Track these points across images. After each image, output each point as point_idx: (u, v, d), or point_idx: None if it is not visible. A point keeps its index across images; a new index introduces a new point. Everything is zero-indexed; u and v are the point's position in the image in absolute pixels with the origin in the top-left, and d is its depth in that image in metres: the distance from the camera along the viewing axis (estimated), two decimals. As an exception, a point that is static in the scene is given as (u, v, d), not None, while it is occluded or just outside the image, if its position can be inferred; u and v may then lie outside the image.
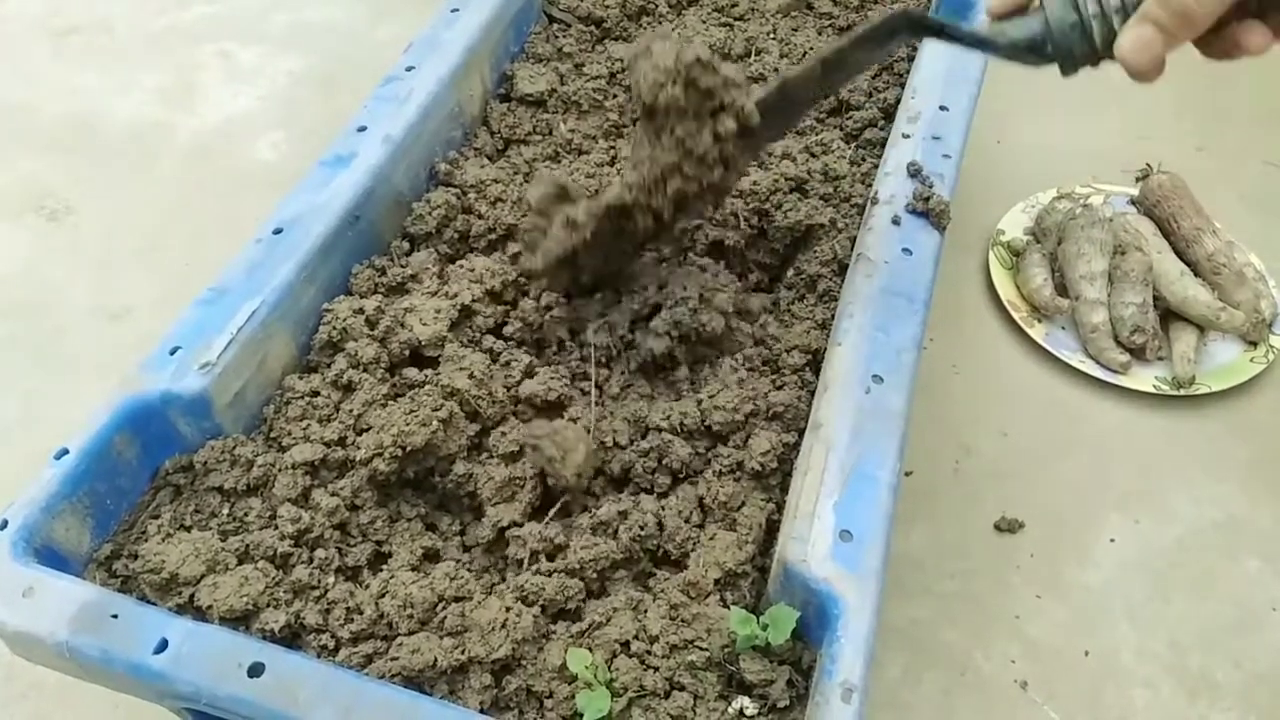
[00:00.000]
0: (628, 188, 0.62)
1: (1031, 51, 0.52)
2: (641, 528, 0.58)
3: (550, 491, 0.61)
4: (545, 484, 0.61)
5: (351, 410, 0.62)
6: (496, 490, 0.60)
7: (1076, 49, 0.50)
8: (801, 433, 0.61)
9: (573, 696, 0.51)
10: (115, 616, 0.49)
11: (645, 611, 0.55)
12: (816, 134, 0.81)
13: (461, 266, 0.72)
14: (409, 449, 0.58)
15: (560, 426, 0.60)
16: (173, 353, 0.59)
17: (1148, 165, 1.08)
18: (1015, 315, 0.95)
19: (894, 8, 0.93)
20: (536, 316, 0.69)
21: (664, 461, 0.61)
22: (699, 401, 0.63)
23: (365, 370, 0.64)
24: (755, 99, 0.59)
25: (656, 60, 0.57)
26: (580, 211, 0.63)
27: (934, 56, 0.81)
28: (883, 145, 0.79)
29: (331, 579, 0.56)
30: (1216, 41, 0.48)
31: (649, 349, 0.64)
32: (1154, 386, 0.90)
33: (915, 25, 0.57)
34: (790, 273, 0.73)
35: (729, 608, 0.54)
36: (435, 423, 0.59)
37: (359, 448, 0.59)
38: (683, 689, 0.52)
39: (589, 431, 0.61)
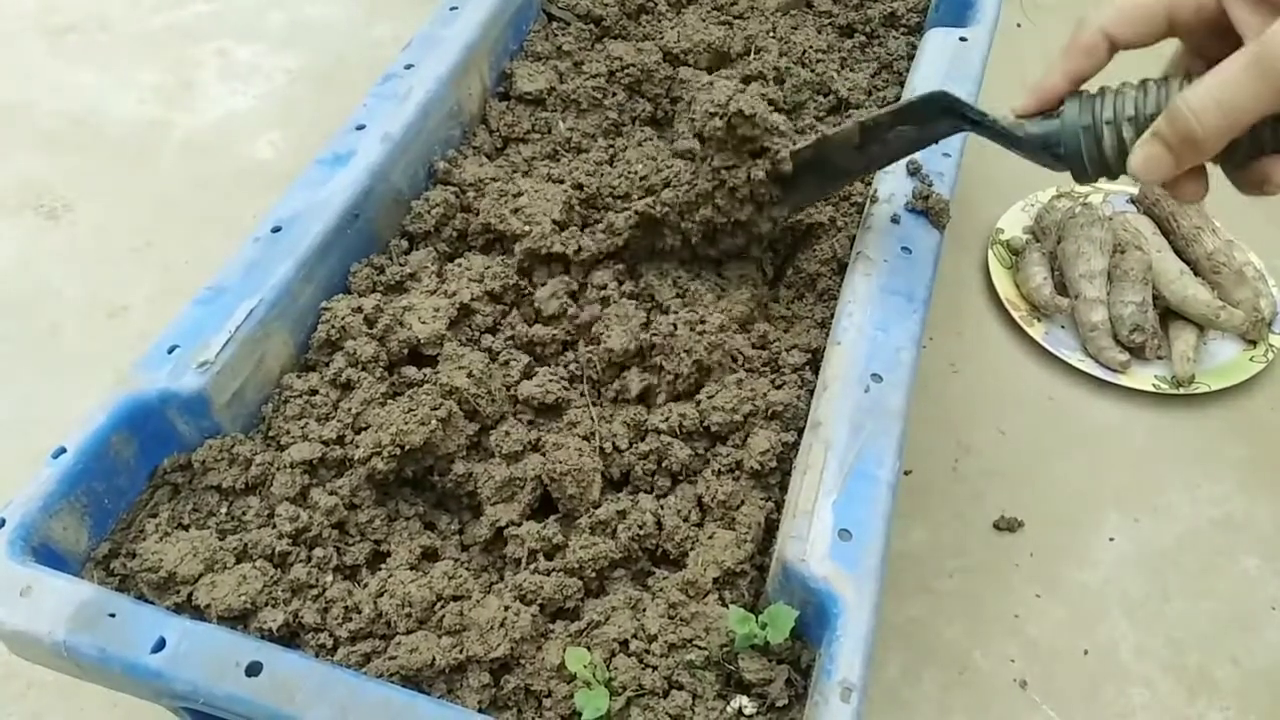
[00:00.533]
0: (662, 203, 0.66)
1: (1046, 151, 0.53)
2: (640, 527, 0.58)
3: (550, 492, 0.60)
4: (545, 485, 0.60)
5: (350, 409, 0.62)
6: (496, 490, 0.60)
7: (1086, 153, 0.51)
8: (800, 432, 0.61)
9: (571, 696, 0.51)
10: (113, 615, 0.49)
11: (644, 610, 0.55)
12: (817, 133, 0.80)
13: (460, 265, 0.72)
14: (407, 448, 0.58)
15: (578, 462, 0.59)
16: (170, 351, 0.59)
17: (1147, 164, 1.08)
18: (1014, 314, 0.95)
19: (888, 10, 0.93)
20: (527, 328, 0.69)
21: (663, 464, 0.61)
22: (698, 402, 0.63)
23: (364, 369, 0.64)
24: (793, 149, 0.63)
25: (714, 94, 0.62)
26: (620, 218, 0.68)
27: (934, 54, 0.81)
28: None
29: (330, 578, 0.56)
30: (1245, 174, 0.48)
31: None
32: (1153, 385, 0.90)
33: (951, 107, 0.58)
34: (790, 271, 0.73)
35: (728, 607, 0.54)
36: (434, 422, 0.59)
37: (357, 446, 0.59)
38: (681, 688, 0.52)
39: (590, 439, 0.61)
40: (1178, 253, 0.98)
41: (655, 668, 0.52)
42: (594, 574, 0.57)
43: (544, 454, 0.61)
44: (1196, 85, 0.44)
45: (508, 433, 0.62)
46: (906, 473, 0.82)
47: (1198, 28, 0.48)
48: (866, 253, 0.67)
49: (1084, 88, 0.52)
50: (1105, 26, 0.50)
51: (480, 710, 0.51)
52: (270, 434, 0.62)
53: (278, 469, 0.59)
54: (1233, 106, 0.42)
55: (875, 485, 0.55)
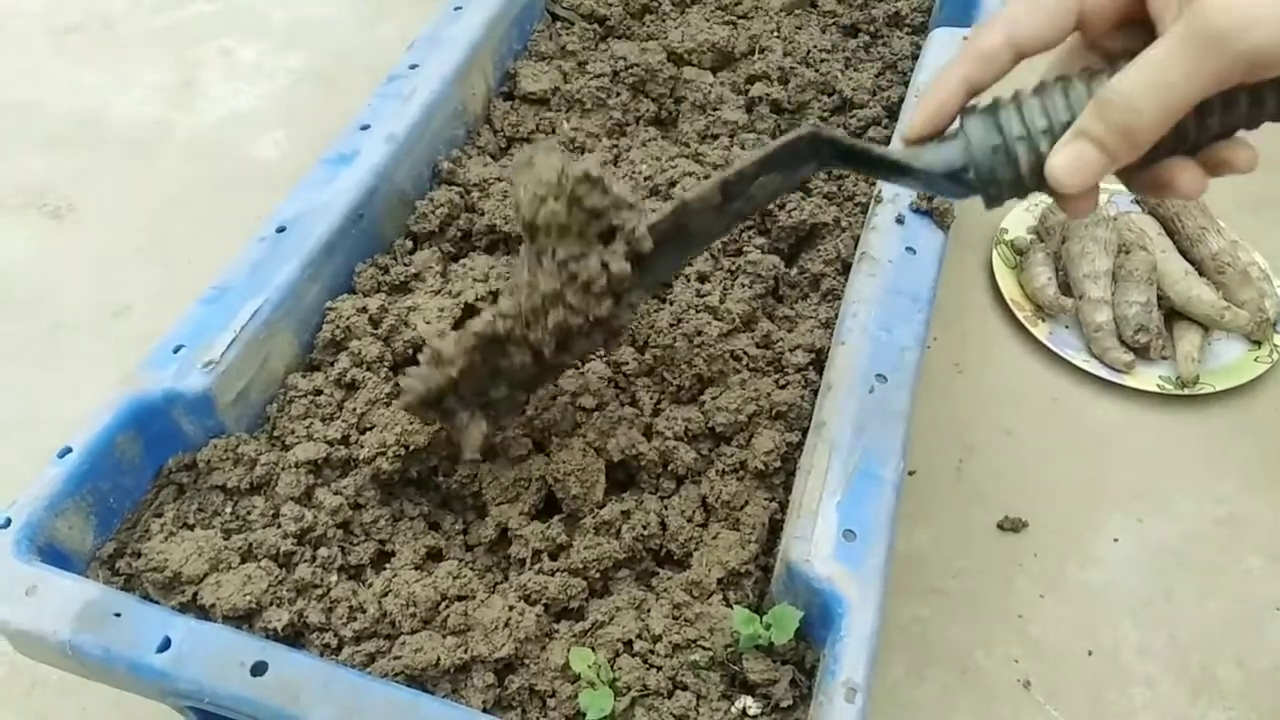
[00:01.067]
0: (501, 317, 0.54)
1: (951, 180, 0.46)
2: (644, 527, 0.58)
3: (554, 493, 0.60)
4: (549, 486, 0.60)
5: (355, 409, 0.62)
6: (501, 491, 0.60)
7: (1000, 174, 0.45)
8: (805, 432, 0.61)
9: (575, 696, 0.51)
10: (118, 615, 0.49)
11: (648, 611, 0.55)
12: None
13: (464, 265, 0.72)
14: (412, 448, 0.58)
15: (582, 461, 0.59)
16: (176, 351, 0.59)
17: (1151, 164, 1.08)
18: (1019, 314, 0.95)
19: (892, 9, 0.93)
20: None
21: (669, 467, 0.61)
22: (702, 404, 0.63)
23: (369, 369, 0.64)
24: (649, 222, 0.52)
25: (538, 173, 0.51)
26: (448, 343, 0.55)
27: (939, 53, 0.81)
28: (886, 144, 0.79)
29: (334, 578, 0.56)
30: (1146, 175, 0.44)
31: None
32: (1158, 386, 0.90)
33: (823, 147, 0.49)
34: (794, 271, 0.73)
35: (732, 607, 0.54)
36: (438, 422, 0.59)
37: (362, 446, 0.59)
38: (686, 688, 0.52)
39: (596, 450, 0.61)
40: (1182, 253, 0.98)
41: (659, 668, 0.52)
42: (598, 574, 0.57)
43: (548, 454, 0.61)
44: (1125, 72, 0.40)
45: (512, 437, 0.62)
46: (910, 473, 0.82)
47: (1108, 17, 0.44)
48: (871, 253, 0.67)
49: (974, 101, 0.47)
50: (1010, 28, 0.45)
51: (485, 710, 0.51)
52: (275, 434, 0.62)
53: (282, 469, 0.59)
54: (1171, 88, 0.38)
55: (879, 485, 0.55)
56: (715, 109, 0.85)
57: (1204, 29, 0.37)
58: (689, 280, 0.71)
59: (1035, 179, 0.44)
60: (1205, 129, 0.42)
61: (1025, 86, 0.46)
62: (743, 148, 0.81)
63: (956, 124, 0.47)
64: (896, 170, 0.48)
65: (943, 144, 0.46)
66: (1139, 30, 0.43)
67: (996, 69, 0.46)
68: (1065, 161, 0.42)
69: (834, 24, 0.94)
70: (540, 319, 0.53)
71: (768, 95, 0.85)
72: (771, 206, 0.74)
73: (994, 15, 0.46)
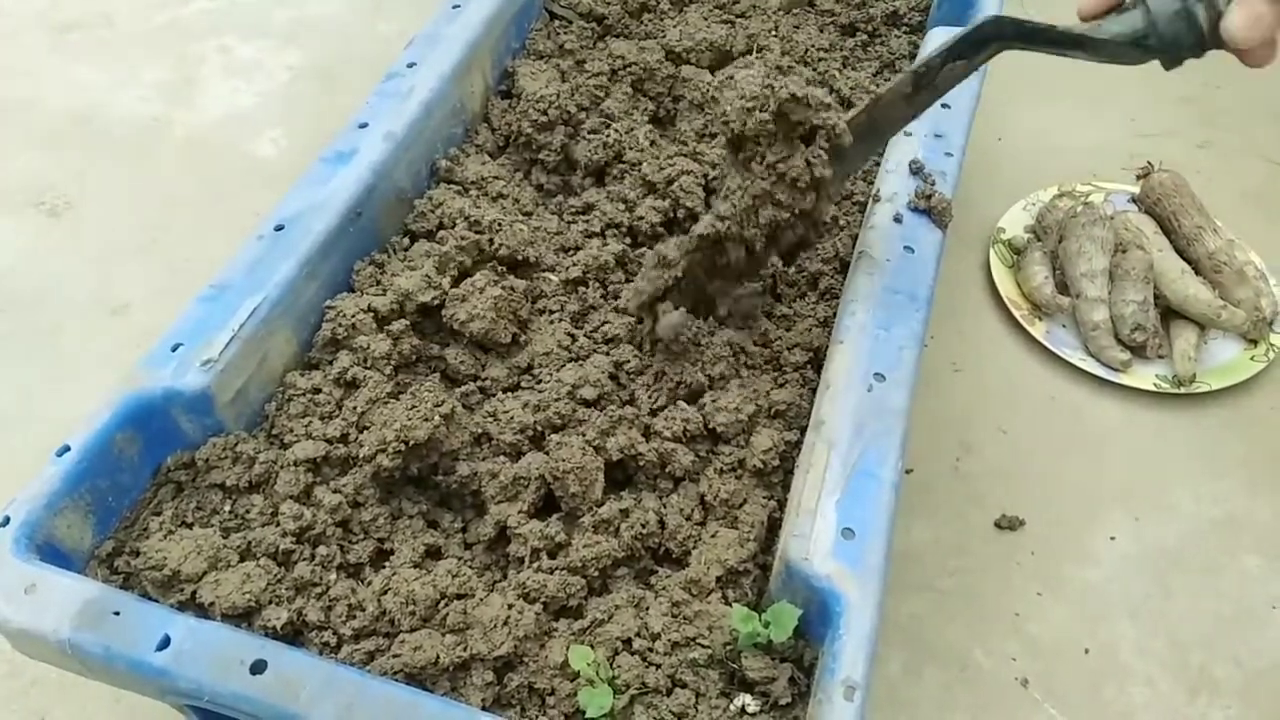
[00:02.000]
0: (719, 218, 0.60)
1: (1135, 46, 0.50)
2: (643, 526, 0.58)
3: (553, 491, 0.61)
4: (548, 484, 0.61)
5: (354, 407, 0.62)
6: (500, 490, 0.60)
7: (1183, 38, 0.48)
8: (803, 431, 0.61)
9: (575, 694, 0.51)
10: (117, 613, 0.49)
11: (647, 609, 0.55)
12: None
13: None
14: (412, 443, 0.58)
15: (581, 460, 0.59)
16: (174, 349, 0.59)
17: (1148, 163, 1.08)
18: (1016, 313, 0.95)
19: (890, 9, 0.93)
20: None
21: (667, 469, 0.62)
22: (701, 406, 0.63)
23: (373, 367, 0.64)
24: (847, 119, 0.59)
25: (742, 88, 0.57)
26: (670, 248, 0.62)
27: (936, 54, 0.81)
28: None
29: (333, 576, 0.56)
30: None
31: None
32: (1154, 384, 0.90)
33: (1007, 32, 0.55)
34: (792, 270, 0.73)
35: (731, 605, 0.55)
36: (437, 418, 0.59)
37: (362, 444, 0.59)
38: (684, 686, 0.52)
39: (595, 449, 0.61)
40: (1179, 252, 0.98)
41: (658, 666, 0.52)
42: (597, 572, 0.57)
43: (547, 453, 0.61)
44: None
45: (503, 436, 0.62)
46: (908, 471, 0.82)
47: None
48: (869, 252, 0.67)
49: None
50: None
51: (484, 708, 0.51)
52: (274, 432, 0.62)
53: (281, 467, 0.59)
54: None
55: (878, 484, 0.55)
56: (713, 107, 0.85)
57: None
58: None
59: (1215, 37, 0.48)
60: None
61: None
62: None
63: None
64: (1079, 44, 0.52)
65: (1122, 14, 0.50)
66: None
67: None
68: (1241, 20, 0.46)
69: (832, 23, 0.94)
70: (753, 217, 0.60)
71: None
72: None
73: None
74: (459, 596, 0.55)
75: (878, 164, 0.76)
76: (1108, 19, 0.51)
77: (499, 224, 0.72)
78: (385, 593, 0.55)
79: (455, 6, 0.84)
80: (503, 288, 0.67)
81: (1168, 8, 0.48)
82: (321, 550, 0.57)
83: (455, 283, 0.68)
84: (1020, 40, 0.55)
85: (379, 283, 0.70)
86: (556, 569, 0.57)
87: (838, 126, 0.58)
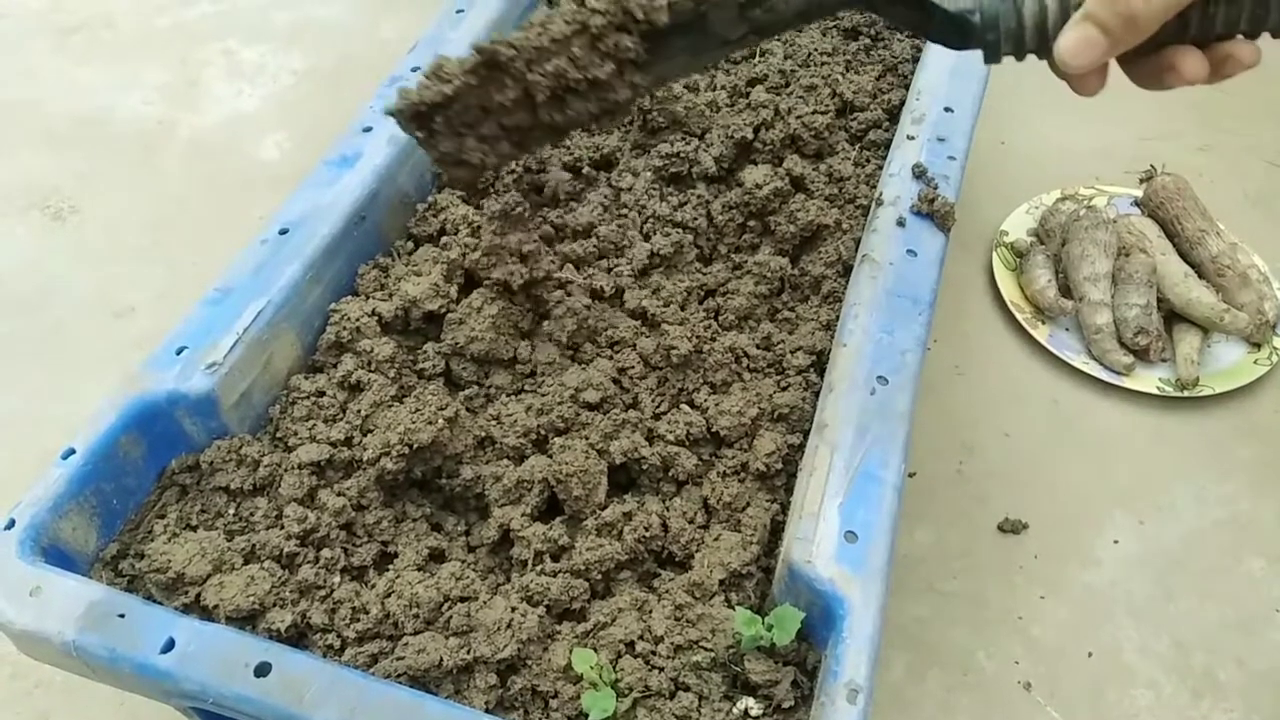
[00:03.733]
0: (508, 45, 0.53)
1: (958, 22, 0.48)
2: (646, 529, 0.58)
3: (556, 494, 0.61)
4: (551, 487, 0.61)
5: (359, 410, 0.62)
6: (504, 493, 0.60)
7: (1004, 22, 0.46)
8: (806, 434, 0.62)
9: (578, 697, 0.51)
10: (122, 616, 0.49)
11: (650, 612, 0.55)
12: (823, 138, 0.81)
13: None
14: (416, 446, 0.58)
15: (584, 463, 0.59)
16: (179, 352, 0.59)
17: (1151, 167, 1.08)
18: (1019, 316, 0.95)
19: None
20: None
21: (670, 472, 0.62)
22: (704, 410, 0.64)
23: (377, 370, 0.64)
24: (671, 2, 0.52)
25: None
26: (451, 62, 0.55)
27: (939, 57, 0.81)
28: (887, 147, 0.79)
29: (337, 579, 0.56)
30: (1150, 64, 0.45)
31: None
32: (1157, 388, 0.90)
33: None
34: (795, 273, 0.73)
35: (734, 608, 0.55)
36: (440, 421, 0.59)
37: (365, 448, 0.59)
38: (687, 689, 0.52)
39: (599, 453, 0.61)
40: (1182, 255, 0.98)
41: (661, 669, 0.52)
42: (600, 575, 0.57)
43: (550, 456, 0.61)
44: None
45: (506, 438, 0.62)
46: (911, 475, 0.82)
47: None
48: (872, 255, 0.67)
49: None
50: None
51: (487, 711, 0.51)
52: (278, 435, 0.62)
53: (285, 470, 0.59)
54: None
55: (881, 487, 0.55)
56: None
57: None
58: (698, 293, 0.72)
59: (1036, 38, 0.46)
60: (1208, 21, 0.44)
61: None
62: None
63: None
64: (912, 5, 0.49)
65: None
66: None
67: None
68: (1071, 43, 0.44)
69: (834, 27, 0.94)
70: (544, 60, 0.53)
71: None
72: (776, 209, 0.74)
73: None
74: (462, 599, 0.55)
75: (880, 167, 0.76)
76: None
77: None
78: (389, 595, 0.55)
79: (459, 11, 0.84)
80: (499, 305, 0.66)
81: (996, 4, 0.47)
82: (325, 553, 0.57)
83: (463, 290, 0.68)
84: None
85: (383, 286, 0.70)
86: (560, 572, 0.57)
87: (656, 3, 0.52)
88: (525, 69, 0.54)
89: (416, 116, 0.56)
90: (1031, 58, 0.48)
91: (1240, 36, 0.45)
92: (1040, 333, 0.94)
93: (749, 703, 0.51)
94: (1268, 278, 0.98)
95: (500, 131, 0.57)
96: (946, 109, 0.76)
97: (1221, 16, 0.44)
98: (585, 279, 0.70)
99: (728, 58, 0.89)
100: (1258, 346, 0.93)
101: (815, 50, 0.90)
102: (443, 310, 0.67)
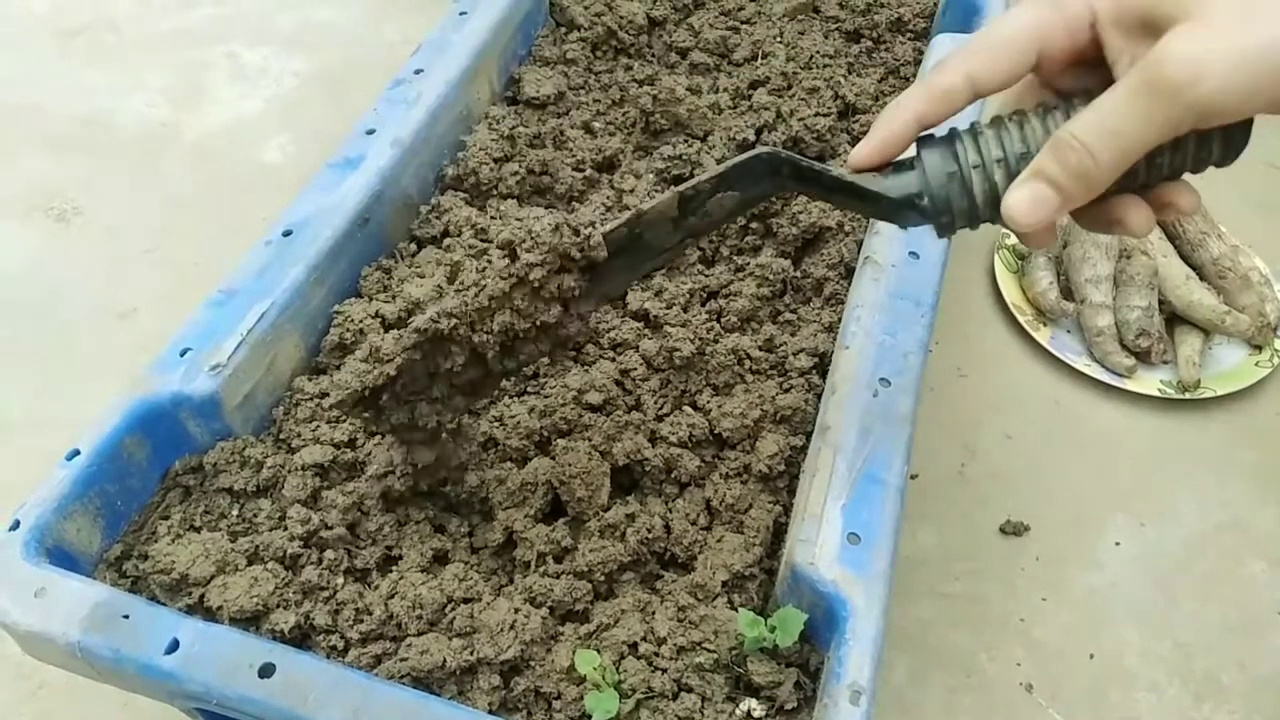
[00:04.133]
0: (445, 315, 0.52)
1: (906, 206, 0.47)
2: (649, 530, 0.58)
3: (559, 496, 0.61)
4: (554, 489, 0.61)
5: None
6: (508, 495, 0.60)
7: (955, 202, 0.46)
8: (809, 436, 0.62)
9: (581, 698, 0.51)
10: (126, 617, 0.49)
11: (653, 613, 0.55)
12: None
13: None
14: (422, 465, 0.58)
15: (587, 465, 0.59)
16: (183, 354, 0.60)
17: (1153, 169, 1.08)
18: (1020, 318, 0.96)
19: (894, 15, 0.93)
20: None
21: (672, 474, 0.62)
22: (707, 412, 0.64)
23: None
24: (604, 230, 0.52)
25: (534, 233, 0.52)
26: (387, 341, 0.53)
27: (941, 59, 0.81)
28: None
29: (341, 580, 0.57)
30: (1097, 213, 0.45)
31: None
32: (1159, 390, 0.90)
33: (781, 166, 0.50)
34: (798, 275, 0.73)
35: (736, 610, 0.55)
36: (444, 434, 0.59)
37: (368, 465, 0.59)
38: (690, 691, 0.52)
39: (601, 454, 0.61)
40: (1183, 258, 0.98)
41: (664, 670, 0.53)
42: (603, 577, 0.57)
43: (553, 458, 0.61)
44: (1081, 116, 0.41)
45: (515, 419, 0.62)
46: (913, 477, 0.82)
47: (1063, 59, 0.44)
48: (874, 257, 0.67)
49: (929, 132, 0.48)
50: (970, 68, 0.45)
51: (491, 712, 0.51)
52: (281, 436, 0.62)
53: (289, 472, 0.60)
54: (1127, 135, 0.40)
55: (884, 489, 0.55)
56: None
57: (1158, 80, 0.38)
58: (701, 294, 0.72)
59: (990, 209, 0.46)
60: (1154, 170, 0.44)
61: (980, 119, 0.47)
62: None
63: (912, 151, 0.47)
64: (853, 194, 0.48)
65: (899, 172, 0.47)
66: (1093, 71, 0.44)
67: (951, 107, 0.46)
68: (1022, 201, 0.43)
69: (836, 29, 0.94)
70: (486, 320, 0.52)
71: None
72: (778, 211, 0.74)
73: (952, 53, 0.46)
74: (466, 600, 0.55)
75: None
76: (885, 174, 0.48)
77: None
78: (392, 597, 0.55)
79: (462, 13, 0.84)
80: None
81: (942, 170, 0.46)
82: (329, 554, 0.57)
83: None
84: (796, 180, 0.50)
85: (387, 288, 0.70)
86: (563, 573, 0.57)
87: (592, 238, 0.52)
88: (470, 332, 0.53)
89: (359, 402, 0.54)
90: None
91: (1184, 177, 0.45)
92: (1042, 335, 0.94)
93: (752, 704, 0.51)
94: (1269, 280, 0.98)
95: (451, 390, 0.56)
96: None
97: (1167, 163, 0.43)
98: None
99: (727, 72, 0.90)
100: (1259, 349, 0.94)
101: (818, 53, 0.90)
102: None
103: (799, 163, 0.49)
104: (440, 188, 0.78)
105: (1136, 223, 0.45)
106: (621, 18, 0.91)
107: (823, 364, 0.66)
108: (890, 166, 0.48)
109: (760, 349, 0.68)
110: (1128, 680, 0.74)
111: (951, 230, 0.48)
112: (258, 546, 0.56)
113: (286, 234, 0.66)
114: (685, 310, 0.70)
